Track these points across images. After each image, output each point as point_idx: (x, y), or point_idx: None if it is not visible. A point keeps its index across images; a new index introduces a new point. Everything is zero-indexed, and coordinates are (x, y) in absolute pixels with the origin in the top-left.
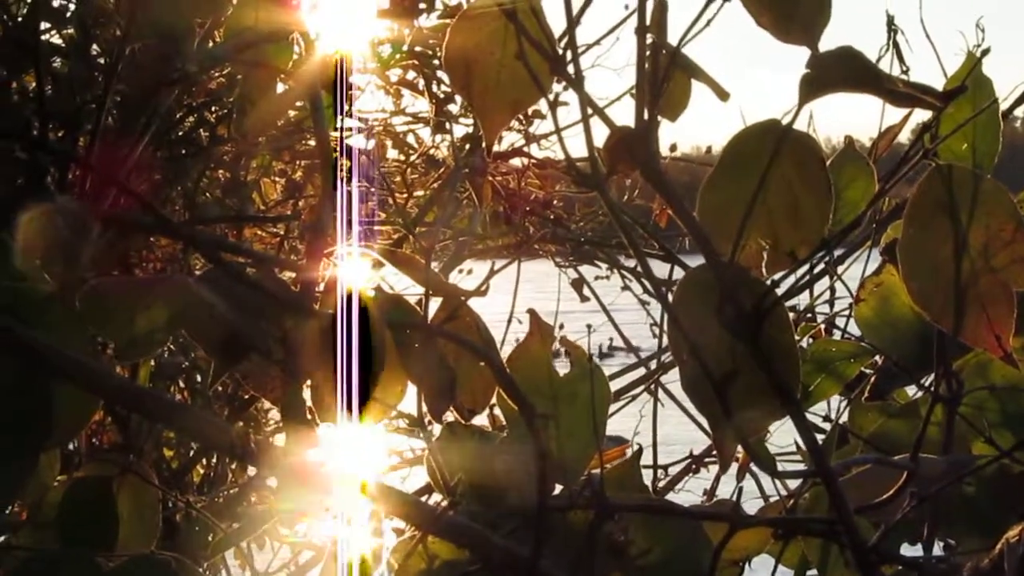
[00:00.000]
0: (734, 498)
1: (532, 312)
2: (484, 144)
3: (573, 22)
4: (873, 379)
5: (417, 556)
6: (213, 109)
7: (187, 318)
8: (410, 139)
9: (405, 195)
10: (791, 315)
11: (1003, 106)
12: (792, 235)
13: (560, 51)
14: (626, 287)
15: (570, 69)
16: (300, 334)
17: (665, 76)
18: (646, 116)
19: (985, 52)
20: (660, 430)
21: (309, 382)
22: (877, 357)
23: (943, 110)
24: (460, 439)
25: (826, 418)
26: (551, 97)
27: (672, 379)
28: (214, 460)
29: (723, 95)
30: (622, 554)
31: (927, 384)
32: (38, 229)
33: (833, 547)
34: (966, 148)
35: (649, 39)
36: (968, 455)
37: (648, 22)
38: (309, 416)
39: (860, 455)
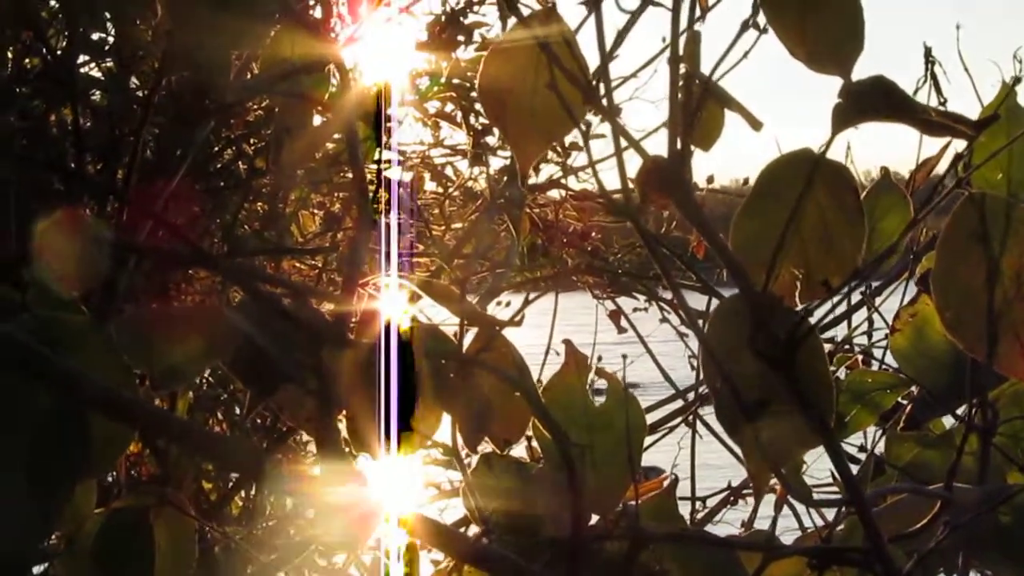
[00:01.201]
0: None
1: (568, 342)
2: (519, 174)
3: (606, 52)
4: (909, 409)
5: None
6: (252, 141)
7: (222, 349)
8: (448, 171)
9: (443, 227)
10: (829, 346)
11: None
12: (826, 264)
13: (594, 82)
14: (664, 319)
15: (604, 100)
16: (335, 364)
17: (698, 106)
18: (679, 146)
19: (1018, 81)
20: (698, 461)
21: (345, 413)
22: (913, 387)
23: (976, 139)
24: (496, 470)
25: (861, 448)
26: (585, 128)
27: (710, 411)
28: (252, 492)
29: (756, 124)
30: None
31: (962, 414)
32: (75, 259)
33: None
34: (1001, 177)
35: (683, 69)
36: (1003, 484)
37: (682, 52)
38: (345, 447)
39: (895, 484)
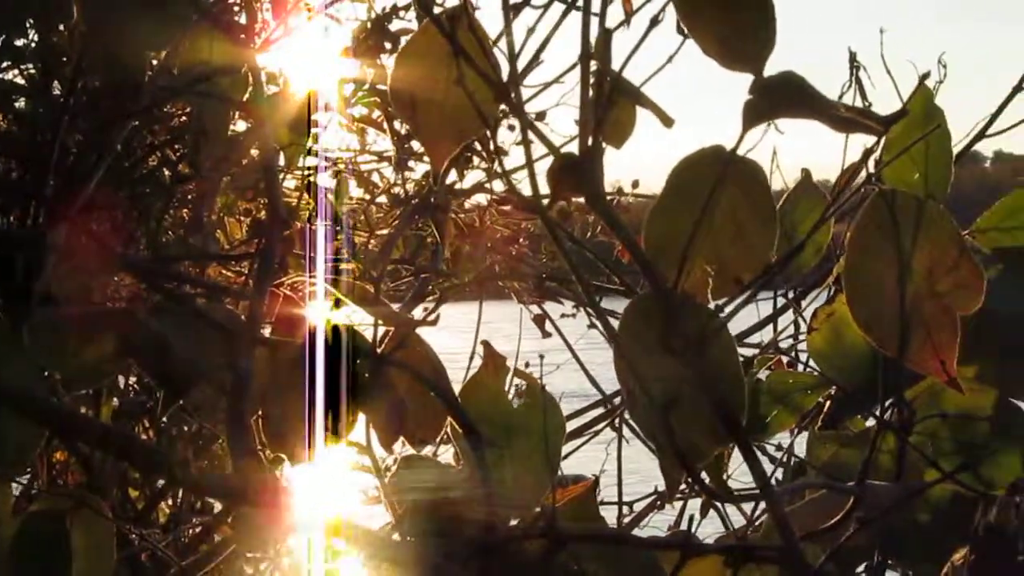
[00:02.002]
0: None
1: (486, 344)
2: (434, 174)
3: (514, 51)
4: (827, 408)
5: None
6: (176, 147)
7: (136, 349)
8: (375, 178)
9: (367, 233)
10: (754, 350)
11: (963, 143)
12: (737, 261)
13: (505, 81)
14: (592, 324)
15: (515, 97)
16: (247, 363)
17: (608, 103)
18: (590, 143)
19: (939, 83)
20: (626, 467)
21: (261, 413)
22: (833, 387)
23: (884, 134)
24: (415, 471)
25: (779, 447)
26: (496, 127)
27: None
28: (179, 500)
29: (667, 121)
30: None
31: (879, 413)
32: None
33: None
34: (918, 178)
35: (594, 66)
36: (918, 481)
37: (592, 49)
38: (259, 448)
39: (805, 480)
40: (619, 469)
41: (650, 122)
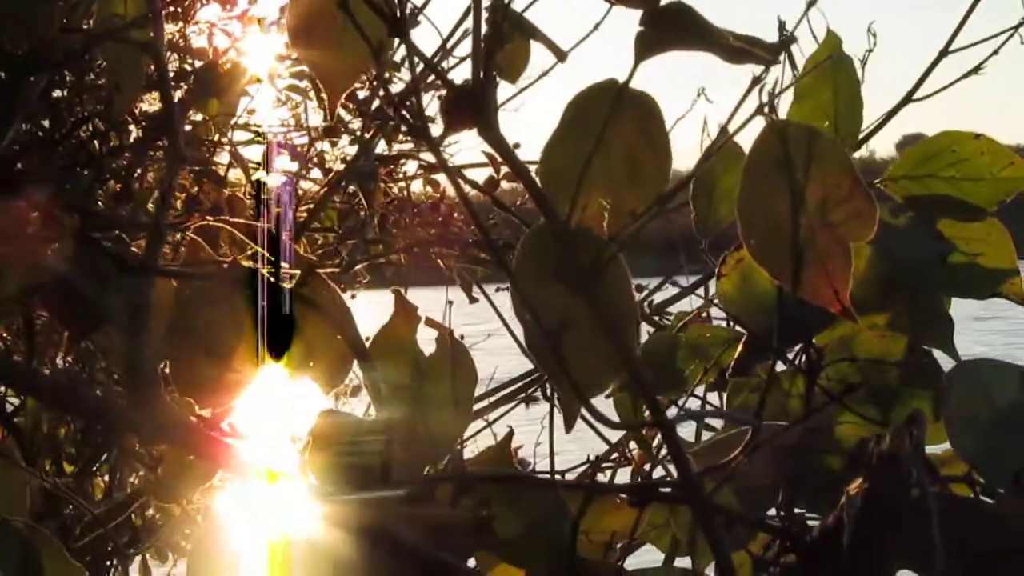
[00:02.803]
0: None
1: (396, 292)
2: (327, 111)
3: None
4: (737, 354)
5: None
6: (106, 119)
7: (40, 289)
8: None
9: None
10: (683, 314)
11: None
12: (632, 194)
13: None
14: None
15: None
16: (145, 297)
17: (500, 33)
18: (482, 74)
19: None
20: (563, 439)
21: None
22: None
23: (774, 63)
24: (330, 422)
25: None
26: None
27: None
28: (114, 471)
29: (561, 55)
30: (484, 528)
31: (790, 358)
32: None
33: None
34: (828, 125)
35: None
36: (826, 421)
37: None
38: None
39: (701, 410)
40: (551, 439)
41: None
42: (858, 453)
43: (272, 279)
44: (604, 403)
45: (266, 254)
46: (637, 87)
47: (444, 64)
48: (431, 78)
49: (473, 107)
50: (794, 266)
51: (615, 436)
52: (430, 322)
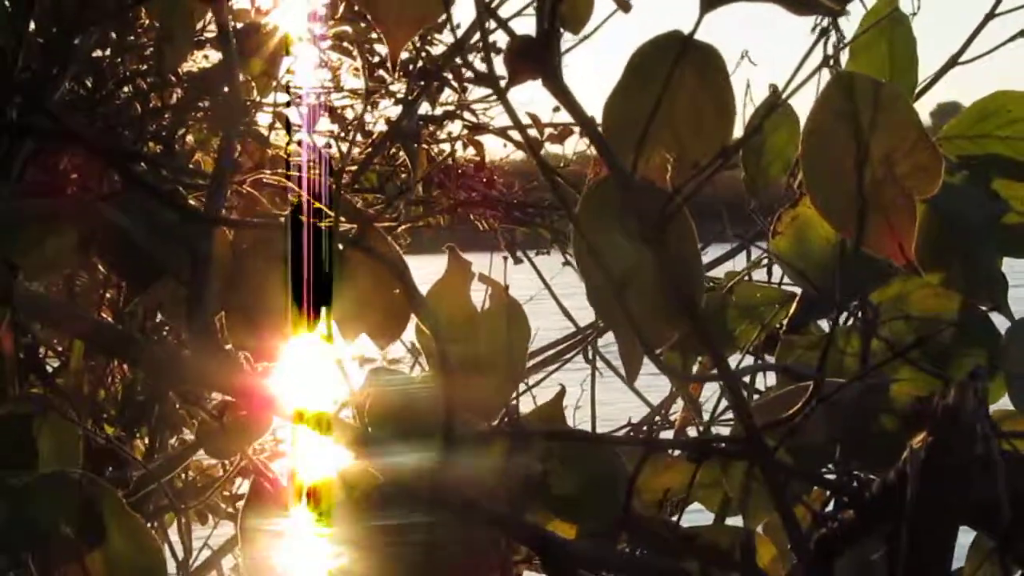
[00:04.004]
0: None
1: (451, 248)
2: (390, 57)
3: None
4: (792, 312)
5: (337, 487)
6: (149, 80)
7: (98, 242)
8: (347, 114)
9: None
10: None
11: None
12: (695, 145)
13: None
14: (567, 262)
15: None
16: (207, 247)
17: None
18: (546, 25)
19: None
20: (600, 401)
21: (223, 306)
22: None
23: (841, 14)
24: (381, 378)
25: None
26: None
27: (607, 342)
28: (155, 432)
29: (625, 6)
30: (540, 485)
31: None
32: None
33: (754, 484)
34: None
35: None
36: (882, 379)
37: None
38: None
39: (763, 363)
40: (592, 399)
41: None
42: (921, 408)
43: (329, 233)
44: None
45: (324, 208)
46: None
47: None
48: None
49: (538, 57)
50: (858, 219)
51: (656, 399)
52: (484, 279)
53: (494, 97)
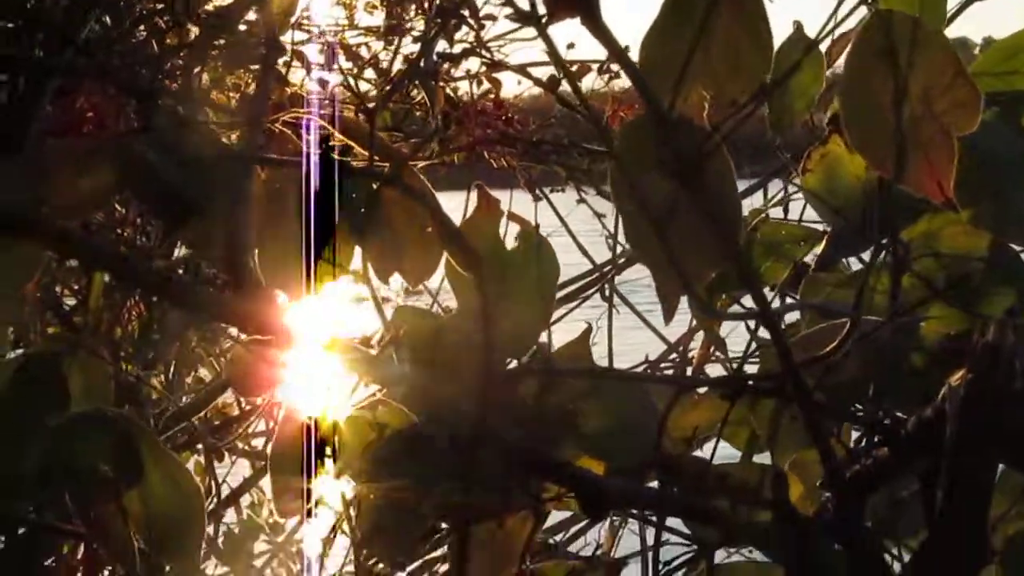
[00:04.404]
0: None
1: (480, 186)
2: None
3: None
4: (822, 250)
5: (367, 426)
6: (165, 19)
7: (131, 181)
8: (363, 52)
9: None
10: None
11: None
12: (733, 84)
13: None
14: (581, 200)
15: None
16: (246, 187)
17: None
18: None
19: None
20: (617, 339)
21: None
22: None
23: None
24: (409, 316)
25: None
26: None
27: (625, 280)
28: (172, 370)
29: None
30: (571, 423)
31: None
32: None
33: (782, 422)
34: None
35: None
36: (914, 316)
37: None
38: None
39: (801, 301)
40: (609, 339)
41: None
42: (955, 346)
43: (363, 171)
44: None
45: (356, 147)
46: None
47: None
48: None
49: None
50: (897, 157)
51: (673, 336)
52: (512, 216)
53: (510, 35)
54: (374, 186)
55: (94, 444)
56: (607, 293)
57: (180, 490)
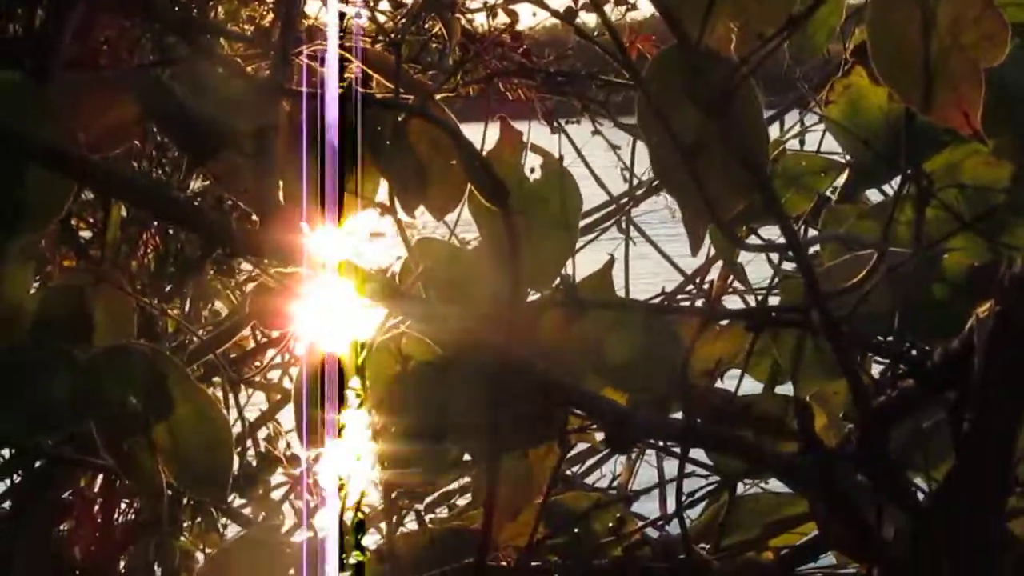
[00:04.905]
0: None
1: (502, 118)
2: None
3: None
4: (844, 181)
5: (391, 358)
6: None
7: (158, 113)
8: None
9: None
10: None
11: None
12: (760, 15)
13: None
14: (596, 131)
15: None
16: (274, 118)
17: None
18: None
19: None
20: (632, 270)
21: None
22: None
23: None
24: (432, 248)
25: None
26: None
27: (641, 212)
28: (187, 304)
29: None
30: (595, 354)
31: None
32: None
33: (806, 352)
34: None
35: None
36: (937, 248)
37: None
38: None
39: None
40: (626, 271)
41: None
42: (979, 277)
43: (389, 104)
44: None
45: (381, 78)
46: None
47: None
48: None
49: None
50: (925, 89)
51: (690, 268)
52: (536, 148)
53: None
54: (399, 118)
55: (124, 378)
56: (623, 225)
57: (209, 423)
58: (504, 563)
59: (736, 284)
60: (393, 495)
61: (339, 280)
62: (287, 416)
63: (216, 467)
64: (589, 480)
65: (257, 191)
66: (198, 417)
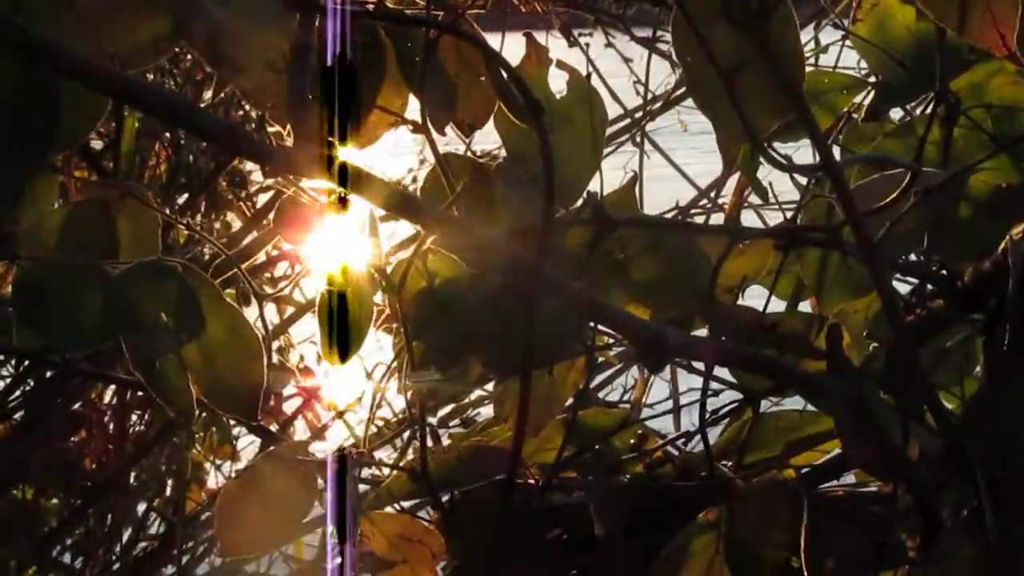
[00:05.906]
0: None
1: (528, 35)
2: None
3: None
4: (871, 100)
5: (416, 274)
6: None
7: (189, 30)
8: None
9: None
10: None
11: None
12: None
13: None
14: (609, 44)
15: None
16: (310, 37)
17: None
18: None
19: None
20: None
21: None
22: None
23: None
24: (455, 165)
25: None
26: None
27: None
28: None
29: None
30: (622, 271)
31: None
32: None
33: (830, 270)
34: None
35: None
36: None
37: None
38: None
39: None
40: (640, 183)
41: None
42: (1014, 198)
43: (419, 20)
44: None
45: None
46: None
47: None
48: None
49: None
50: (960, 8)
51: (704, 182)
52: (561, 64)
53: None
54: (430, 34)
55: (157, 295)
56: (638, 139)
57: (241, 341)
58: (532, 480)
59: (751, 199)
60: (414, 410)
61: (367, 197)
62: (297, 328)
63: (248, 385)
64: (600, 395)
65: (290, 106)
66: (230, 335)
